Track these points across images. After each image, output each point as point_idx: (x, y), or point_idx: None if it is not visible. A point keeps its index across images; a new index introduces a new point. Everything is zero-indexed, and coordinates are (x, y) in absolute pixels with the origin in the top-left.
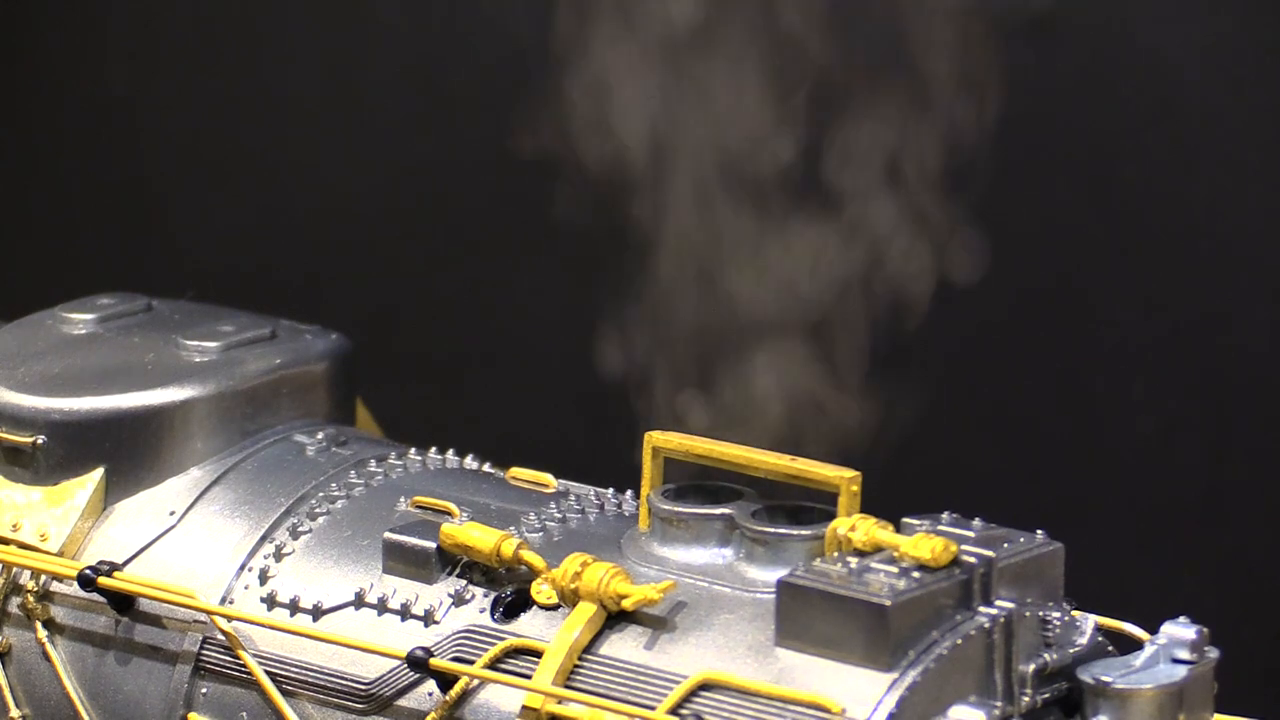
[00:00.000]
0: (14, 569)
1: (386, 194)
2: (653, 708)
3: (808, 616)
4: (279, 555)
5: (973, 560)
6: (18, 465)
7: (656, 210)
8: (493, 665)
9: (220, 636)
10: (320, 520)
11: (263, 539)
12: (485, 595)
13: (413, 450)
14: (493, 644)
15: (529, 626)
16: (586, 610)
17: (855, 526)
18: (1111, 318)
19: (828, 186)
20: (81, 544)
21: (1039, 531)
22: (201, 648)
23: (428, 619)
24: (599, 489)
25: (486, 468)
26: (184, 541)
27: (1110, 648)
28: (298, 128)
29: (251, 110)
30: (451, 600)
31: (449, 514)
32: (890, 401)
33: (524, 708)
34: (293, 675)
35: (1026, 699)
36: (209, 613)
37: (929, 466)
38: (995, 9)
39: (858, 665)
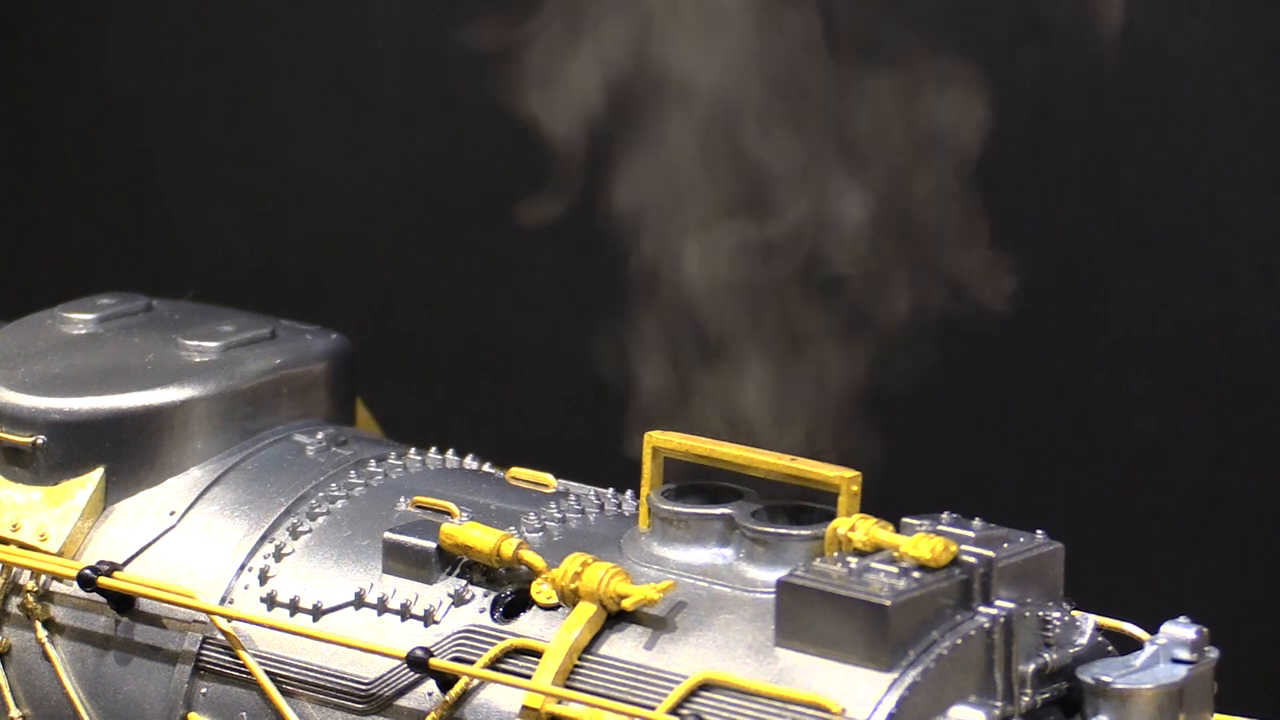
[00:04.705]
0: (14, 569)
1: (386, 193)
2: (653, 708)
3: (808, 616)
4: (279, 555)
5: (973, 560)
6: (18, 465)
7: (657, 209)
8: (493, 665)
9: (220, 636)
10: (320, 520)
11: (263, 539)
12: (485, 595)
13: (413, 450)
14: (493, 644)
15: (529, 626)
16: (586, 610)
17: (855, 526)
18: (1111, 317)
19: (826, 186)
20: (81, 544)
21: (1039, 531)
22: (201, 648)
23: (428, 619)
24: (599, 489)
25: (486, 468)
26: (184, 541)
27: (1110, 648)
28: (298, 128)
29: (252, 110)
30: (451, 600)
31: (449, 514)
32: (890, 400)
33: (524, 708)
34: (293, 675)
35: (1026, 699)
36: (209, 613)
37: (929, 466)
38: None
39: (858, 665)
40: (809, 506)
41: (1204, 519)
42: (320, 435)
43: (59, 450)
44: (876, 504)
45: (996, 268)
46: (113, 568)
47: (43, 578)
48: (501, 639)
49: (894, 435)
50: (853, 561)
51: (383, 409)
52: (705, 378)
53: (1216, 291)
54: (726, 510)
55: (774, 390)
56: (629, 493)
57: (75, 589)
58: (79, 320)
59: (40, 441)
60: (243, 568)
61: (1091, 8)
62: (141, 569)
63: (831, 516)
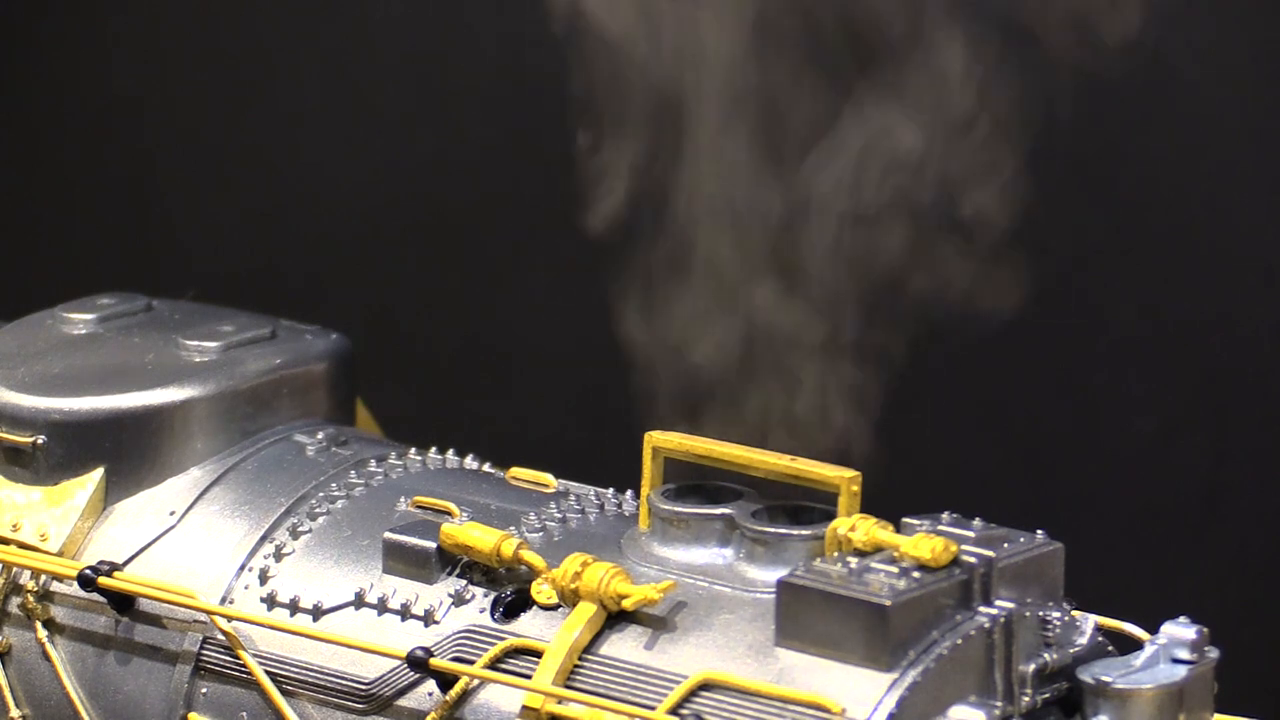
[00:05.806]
0: (14, 569)
1: (386, 194)
2: (653, 708)
3: (808, 616)
4: (279, 555)
5: (973, 560)
6: (18, 465)
7: (656, 209)
8: (493, 665)
9: (220, 636)
10: (320, 520)
11: (263, 539)
12: (485, 595)
13: (413, 450)
14: (493, 644)
15: (529, 626)
16: (586, 610)
17: (855, 526)
18: (1111, 318)
19: (829, 188)
20: (81, 544)
21: (1039, 531)
22: (201, 648)
23: (428, 619)
24: (599, 489)
25: (486, 468)
26: (184, 541)
27: (1110, 648)
28: (298, 128)
29: (252, 110)
30: (451, 600)
31: (449, 514)
32: (891, 400)
33: (524, 708)
34: (293, 675)
35: (1026, 699)
36: (209, 613)
37: (929, 466)
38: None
39: (858, 665)
40: (809, 506)
41: (1204, 519)
42: (320, 435)
43: (59, 450)
44: (876, 504)
45: (997, 268)
46: (113, 568)
47: (43, 578)
48: (501, 639)
49: (894, 435)
50: (853, 561)
51: (383, 409)
52: (705, 378)
53: (1216, 291)
54: (726, 510)
55: (774, 390)
56: (629, 493)
57: (75, 589)
58: (79, 320)
59: (40, 441)
60: (243, 568)
61: (1092, 8)
62: (141, 569)
63: (831, 516)
